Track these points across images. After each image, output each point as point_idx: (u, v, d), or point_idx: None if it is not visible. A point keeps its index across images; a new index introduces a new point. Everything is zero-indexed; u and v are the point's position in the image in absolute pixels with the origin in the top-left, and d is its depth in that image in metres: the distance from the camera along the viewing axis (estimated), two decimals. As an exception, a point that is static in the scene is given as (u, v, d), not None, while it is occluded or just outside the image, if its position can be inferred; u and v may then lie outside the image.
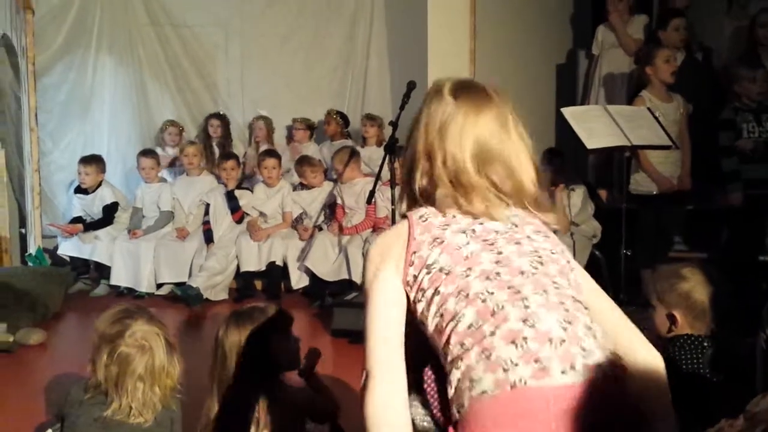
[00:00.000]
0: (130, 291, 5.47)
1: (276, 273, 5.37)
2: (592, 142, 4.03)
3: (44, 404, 3.26)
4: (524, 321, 1.25)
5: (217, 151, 6.38)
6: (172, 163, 6.22)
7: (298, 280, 5.33)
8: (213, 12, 6.79)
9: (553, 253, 1.39)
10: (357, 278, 5.05)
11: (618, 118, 4.11)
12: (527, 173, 1.42)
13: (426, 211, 1.39)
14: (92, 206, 5.80)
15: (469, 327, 1.26)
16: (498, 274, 1.30)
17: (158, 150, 6.24)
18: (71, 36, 6.61)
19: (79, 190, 5.87)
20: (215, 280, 5.30)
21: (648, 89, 4.50)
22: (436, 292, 1.30)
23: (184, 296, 5.19)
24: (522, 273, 1.31)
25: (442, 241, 1.33)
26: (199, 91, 6.92)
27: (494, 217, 1.37)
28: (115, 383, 2.01)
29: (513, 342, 1.23)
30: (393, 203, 4.40)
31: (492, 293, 1.28)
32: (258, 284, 5.47)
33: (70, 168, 6.10)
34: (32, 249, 6.07)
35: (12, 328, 4.17)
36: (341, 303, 4.47)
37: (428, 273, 1.31)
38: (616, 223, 4.01)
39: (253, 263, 5.36)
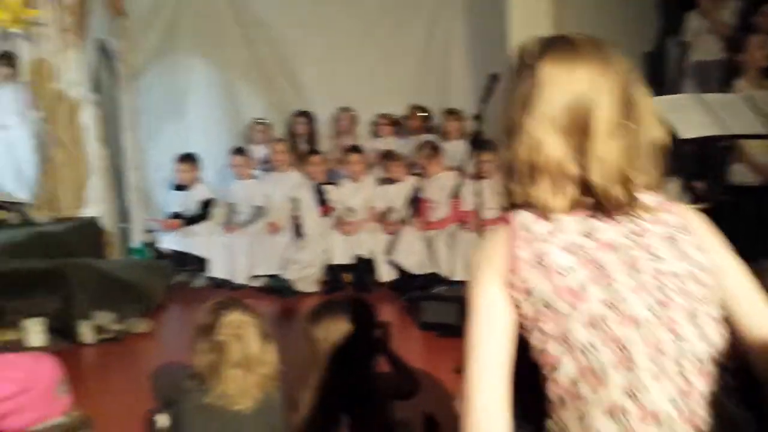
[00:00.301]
0: (227, 283, 5.69)
1: (364, 266, 5.49)
2: (686, 132, 3.90)
3: (151, 390, 3.44)
4: (628, 392, 1.07)
5: (303, 147, 6.56)
6: (263, 161, 6.42)
7: (386, 274, 5.41)
8: (296, 11, 6.93)
9: (680, 275, 1.12)
10: (444, 272, 5.10)
11: (713, 107, 3.96)
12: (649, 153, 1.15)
13: (526, 216, 1.16)
14: (189, 202, 6.09)
15: (567, 381, 1.11)
16: (606, 320, 1.08)
17: (247, 147, 6.47)
18: (163, 39, 6.92)
19: (176, 186, 6.17)
20: (306, 272, 5.45)
21: (743, 77, 4.31)
22: (538, 327, 1.14)
23: (277, 288, 5.41)
24: (636, 323, 1.08)
25: (544, 262, 1.12)
26: (284, 90, 7.12)
27: (554, 212, 1.13)
28: (213, 371, 2.12)
29: (612, 415, 1.07)
30: (478, 197, 4.40)
31: (595, 348, 1.08)
32: (347, 277, 5.59)
33: (167, 166, 6.41)
34: (134, 243, 6.44)
35: (120, 318, 4.42)
36: (429, 296, 4.50)
37: (529, 301, 1.13)
38: (714, 217, 3.86)
39: (342, 256, 5.49)
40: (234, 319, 2.16)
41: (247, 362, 2.13)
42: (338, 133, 6.77)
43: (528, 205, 1.16)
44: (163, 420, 2.23)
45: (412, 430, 2.61)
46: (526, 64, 1.17)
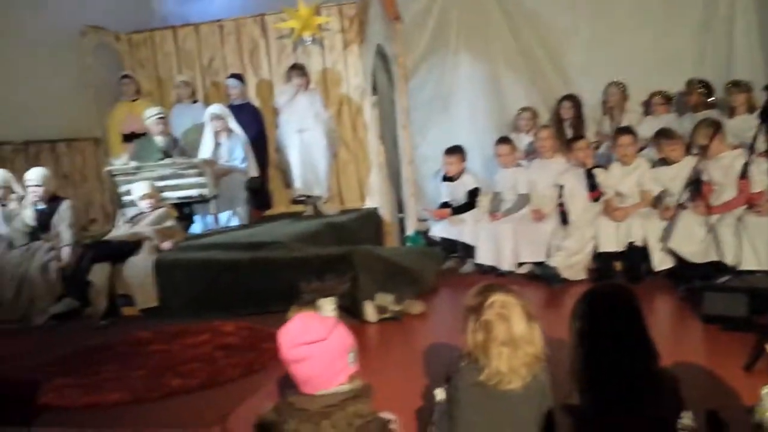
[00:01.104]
0: (494, 269, 5.83)
1: (636, 254, 5.22)
2: None
3: (424, 366, 3.67)
4: None
5: (569, 132, 6.44)
6: (529, 152, 6.42)
7: (661, 262, 5.09)
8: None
9: None
10: (729, 260, 4.64)
11: None
12: None
13: None
14: (457, 192, 6.35)
15: None
16: None
17: (513, 136, 6.53)
18: (433, 39, 7.30)
19: (445, 178, 6.48)
20: (573, 260, 5.35)
21: None
22: None
23: (543, 275, 5.40)
24: None
25: None
26: (550, 76, 7.06)
27: None
28: (482, 349, 2.19)
29: None
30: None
31: None
32: (618, 265, 5.37)
33: (436, 158, 6.73)
34: (409, 231, 6.92)
35: (398, 299, 4.77)
36: (713, 287, 4.14)
37: None
38: None
39: (612, 244, 5.29)
40: (499, 299, 2.23)
41: (513, 341, 2.18)
42: (608, 108, 6.52)
43: None
44: (441, 394, 2.39)
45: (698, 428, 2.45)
46: None
